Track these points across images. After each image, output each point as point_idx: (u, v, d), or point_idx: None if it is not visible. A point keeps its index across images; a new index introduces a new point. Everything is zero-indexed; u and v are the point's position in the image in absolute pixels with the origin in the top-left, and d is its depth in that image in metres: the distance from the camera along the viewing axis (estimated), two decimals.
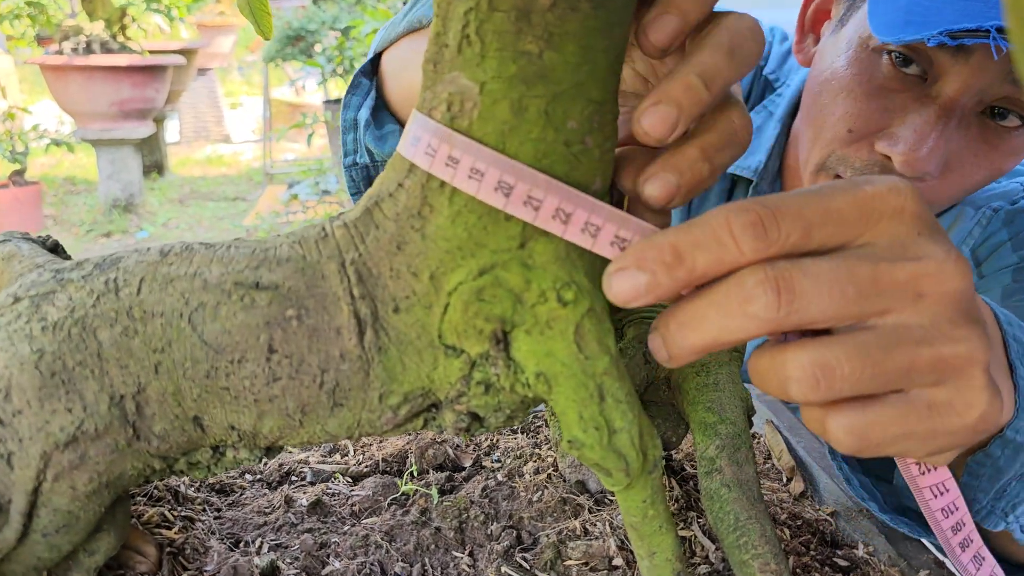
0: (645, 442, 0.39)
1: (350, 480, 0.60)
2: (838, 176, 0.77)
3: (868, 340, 0.33)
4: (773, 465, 0.65)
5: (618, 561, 0.47)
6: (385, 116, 0.79)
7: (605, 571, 0.47)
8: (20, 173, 4.97)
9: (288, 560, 0.50)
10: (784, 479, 0.63)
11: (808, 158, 0.80)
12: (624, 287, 0.35)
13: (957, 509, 0.42)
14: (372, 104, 0.79)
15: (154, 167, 6.23)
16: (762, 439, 0.68)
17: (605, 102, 0.38)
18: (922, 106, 0.70)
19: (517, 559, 0.49)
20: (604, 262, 0.40)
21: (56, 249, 0.48)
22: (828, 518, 0.57)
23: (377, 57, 0.82)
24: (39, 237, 0.48)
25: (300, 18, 5.05)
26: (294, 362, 0.38)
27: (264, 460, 0.42)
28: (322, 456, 0.64)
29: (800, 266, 0.33)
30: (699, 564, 0.48)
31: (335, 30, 4.78)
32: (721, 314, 0.33)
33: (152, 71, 5.05)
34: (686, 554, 0.48)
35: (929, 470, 0.41)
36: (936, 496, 0.41)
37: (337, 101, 4.91)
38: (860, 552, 0.53)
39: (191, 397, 0.38)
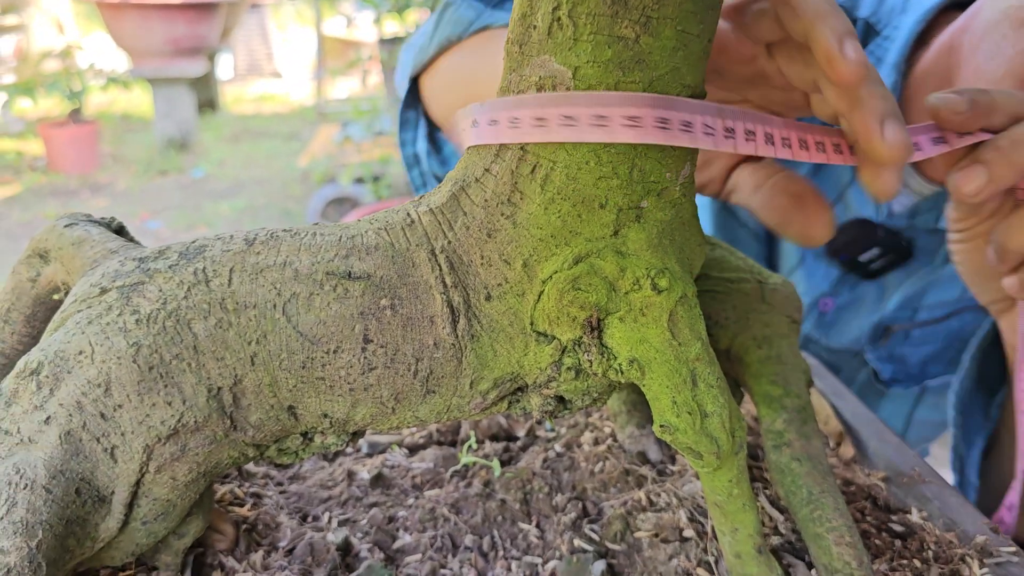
0: (734, 425, 0.39)
1: (407, 451, 0.60)
2: None
3: None
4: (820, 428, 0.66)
5: (689, 532, 0.48)
6: (441, 139, 0.79)
7: (676, 542, 0.48)
8: (78, 112, 4.98)
9: (359, 535, 0.51)
10: (832, 444, 0.64)
11: None
12: (969, 184, 0.44)
13: None
14: (426, 132, 0.78)
15: (207, 105, 6.20)
16: None
17: (697, 86, 0.38)
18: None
19: (586, 531, 0.50)
20: (693, 247, 0.41)
21: (121, 231, 0.47)
22: (880, 483, 0.58)
23: (414, 84, 0.81)
24: (103, 219, 0.47)
25: None
26: (389, 351, 0.38)
27: (348, 444, 0.42)
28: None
29: None
30: (770, 535, 0.49)
31: None
32: None
33: (206, 7, 5.03)
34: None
35: None
36: None
37: (392, 40, 4.83)
38: (915, 517, 0.54)
39: (287, 387, 0.38)
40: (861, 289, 0.90)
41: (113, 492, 0.37)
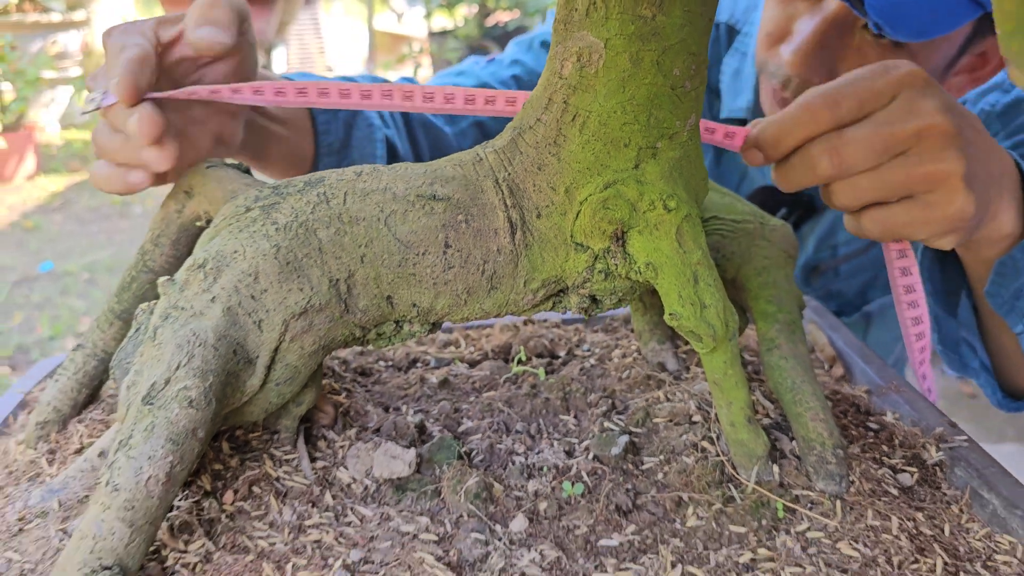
0: (727, 316, 0.51)
1: (467, 365, 0.73)
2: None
3: (887, 167, 0.57)
4: (817, 356, 0.77)
5: (697, 418, 0.60)
6: None
7: (687, 424, 0.59)
8: None
9: (431, 420, 0.63)
10: (826, 367, 0.74)
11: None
12: (754, 158, 0.61)
13: (915, 290, 0.65)
14: None
15: None
16: (808, 336, 0.80)
17: (700, 53, 0.49)
18: (812, 15, 0.82)
19: (614, 419, 0.62)
20: (698, 179, 0.52)
21: (248, 172, 0.60)
22: (863, 395, 0.69)
23: None
24: (234, 163, 0.60)
25: None
26: (463, 255, 0.50)
27: (430, 333, 0.55)
28: (438, 348, 0.77)
29: (843, 136, 0.56)
30: (762, 418, 0.60)
31: None
32: (800, 167, 0.59)
33: (264, 4, 5.20)
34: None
35: (904, 255, 0.65)
36: (902, 275, 0.66)
37: (442, 33, 4.99)
38: (889, 418, 0.65)
39: (386, 281, 0.51)
40: None
41: (258, 356, 0.50)
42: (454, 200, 0.50)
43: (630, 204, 0.49)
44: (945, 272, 0.76)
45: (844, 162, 0.57)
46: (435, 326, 0.55)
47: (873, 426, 0.64)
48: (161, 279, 0.50)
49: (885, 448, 0.61)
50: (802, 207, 1.07)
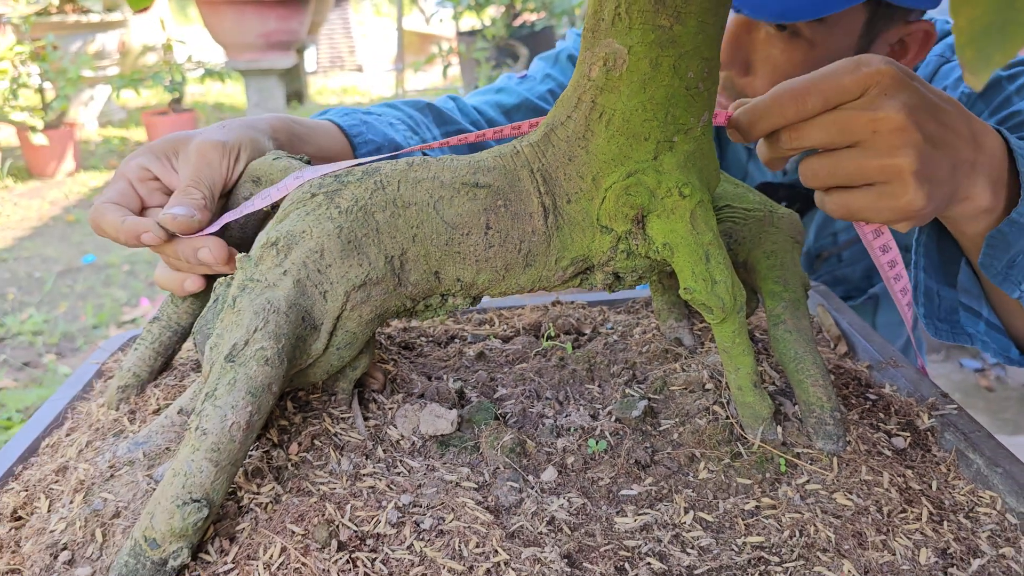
0: (735, 291, 0.57)
1: (501, 340, 0.79)
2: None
3: (843, 155, 0.62)
4: (824, 336, 0.83)
5: (709, 386, 0.66)
6: None
7: (700, 392, 0.66)
8: (178, 101, 5.39)
9: (469, 387, 0.70)
10: (832, 345, 0.80)
11: None
12: (731, 134, 0.65)
13: (897, 265, 0.71)
14: None
15: (295, 96, 6.53)
16: (816, 318, 0.86)
17: (713, 58, 0.56)
18: (731, 21, 0.93)
19: (634, 387, 0.68)
20: (710, 170, 0.59)
21: (309, 163, 0.67)
22: (864, 369, 0.75)
23: None
24: (298, 156, 0.67)
25: None
26: (502, 235, 0.57)
27: (472, 306, 0.61)
28: (475, 326, 0.84)
29: (807, 125, 0.62)
30: (768, 385, 0.67)
31: None
32: (767, 146, 0.65)
33: (296, 3, 5.32)
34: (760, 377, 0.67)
35: (881, 234, 0.69)
36: (883, 253, 0.70)
37: (471, 33, 5.08)
38: (887, 390, 0.71)
39: (434, 258, 0.57)
40: None
41: (322, 323, 0.57)
42: (494, 187, 0.57)
43: (649, 191, 0.56)
44: (941, 245, 0.81)
45: (800, 138, 0.62)
46: (476, 300, 0.61)
47: (872, 396, 0.70)
48: (238, 255, 0.57)
49: (881, 415, 0.67)
50: (801, 200, 1.14)
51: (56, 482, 0.60)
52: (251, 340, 0.53)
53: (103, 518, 0.54)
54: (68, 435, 0.67)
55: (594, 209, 0.57)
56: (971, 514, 0.58)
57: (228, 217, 0.66)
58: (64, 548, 0.53)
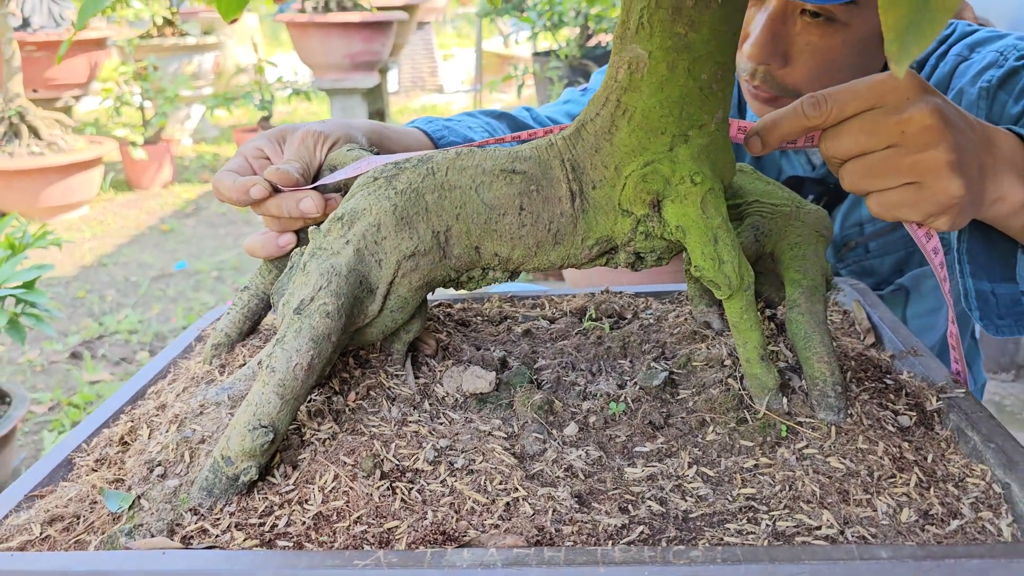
0: (742, 270, 0.64)
1: (548, 321, 0.87)
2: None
3: (876, 158, 0.68)
4: (856, 328, 0.88)
5: (728, 362, 0.73)
6: None
7: (718, 366, 0.72)
8: (267, 119, 5.70)
9: (512, 358, 0.78)
10: (862, 337, 0.86)
11: None
12: (753, 145, 0.72)
13: (943, 263, 0.74)
14: None
15: (377, 114, 6.78)
16: (851, 313, 0.91)
17: (726, 62, 0.63)
18: (761, 14, 1.01)
19: (661, 363, 0.75)
20: (724, 163, 0.66)
21: (378, 154, 0.77)
22: (887, 358, 0.80)
23: None
24: (369, 148, 0.77)
25: None
26: (534, 216, 0.65)
27: (510, 280, 0.69)
28: (527, 308, 0.92)
29: (838, 128, 0.68)
30: (780, 362, 0.73)
31: None
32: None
33: (379, 26, 5.55)
34: (774, 357, 0.73)
35: (931, 237, 0.73)
36: (935, 255, 0.74)
37: (546, 53, 5.24)
38: (904, 376, 0.76)
39: (475, 235, 0.66)
40: None
41: (378, 287, 0.66)
42: (529, 174, 0.65)
43: (664, 179, 0.63)
44: (990, 244, 0.86)
45: (835, 147, 0.68)
46: (514, 275, 0.70)
47: (889, 381, 0.75)
48: (311, 227, 0.67)
49: (892, 397, 0.72)
50: (829, 193, 1.20)
51: (156, 416, 0.70)
52: (316, 297, 0.62)
53: (191, 443, 0.64)
54: (170, 384, 0.78)
55: (616, 195, 0.65)
56: (960, 483, 0.63)
57: (321, 182, 0.77)
58: (158, 465, 0.63)
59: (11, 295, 1.76)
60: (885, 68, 1.09)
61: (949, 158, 0.66)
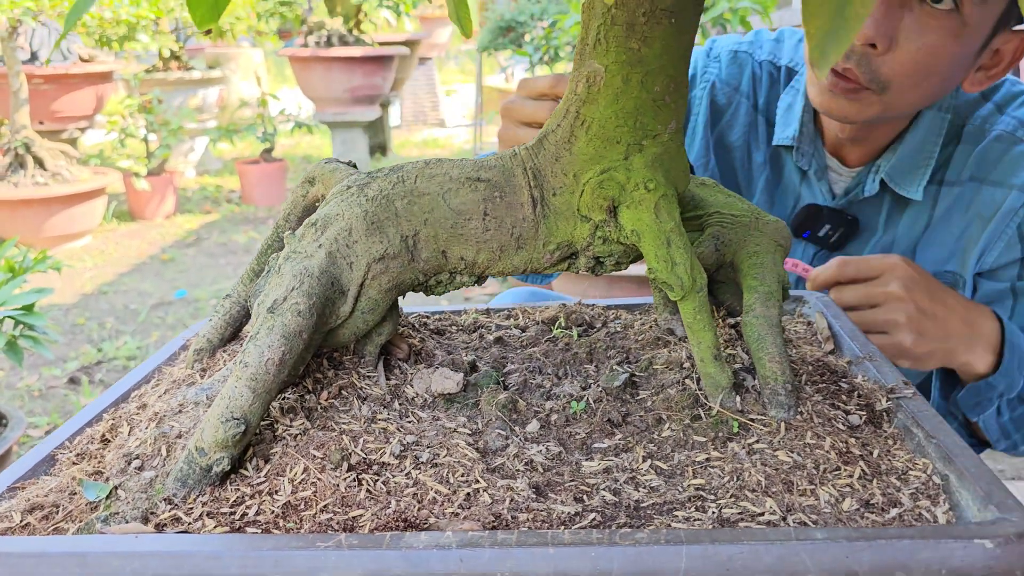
0: (694, 272, 0.67)
1: (520, 329, 0.90)
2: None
3: (867, 312, 1.03)
4: (817, 337, 0.91)
5: (687, 365, 0.75)
6: None
7: (678, 368, 0.75)
8: (269, 151, 5.79)
9: (482, 362, 0.81)
10: (823, 345, 0.89)
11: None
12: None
13: None
14: None
15: (378, 148, 6.87)
16: (814, 323, 0.94)
17: (678, 76, 0.66)
18: None
19: (624, 366, 0.78)
20: (678, 171, 0.69)
21: (355, 166, 0.81)
22: (844, 364, 0.82)
23: None
24: (347, 162, 0.81)
25: (511, 11, 5.46)
26: (498, 221, 0.68)
27: (476, 285, 0.73)
28: (500, 318, 0.95)
29: (844, 289, 1.05)
30: (736, 364, 0.75)
31: (542, 21, 5.16)
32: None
33: (381, 61, 5.65)
34: (730, 360, 0.76)
35: None
36: None
37: None
38: (858, 380, 0.79)
39: (442, 239, 0.69)
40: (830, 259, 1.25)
41: (349, 289, 0.69)
42: (492, 181, 0.69)
43: (620, 185, 0.67)
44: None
45: (843, 300, 1.04)
46: (480, 279, 0.73)
47: (843, 384, 0.78)
48: (286, 233, 0.70)
49: (844, 398, 0.75)
50: (845, 224, 1.23)
51: (136, 415, 0.73)
52: (288, 296, 0.65)
53: (169, 438, 0.67)
54: (153, 388, 0.81)
55: (575, 201, 0.68)
56: (902, 476, 0.65)
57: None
58: (136, 458, 0.65)
59: (10, 317, 1.79)
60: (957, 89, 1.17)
61: (904, 320, 1.01)
